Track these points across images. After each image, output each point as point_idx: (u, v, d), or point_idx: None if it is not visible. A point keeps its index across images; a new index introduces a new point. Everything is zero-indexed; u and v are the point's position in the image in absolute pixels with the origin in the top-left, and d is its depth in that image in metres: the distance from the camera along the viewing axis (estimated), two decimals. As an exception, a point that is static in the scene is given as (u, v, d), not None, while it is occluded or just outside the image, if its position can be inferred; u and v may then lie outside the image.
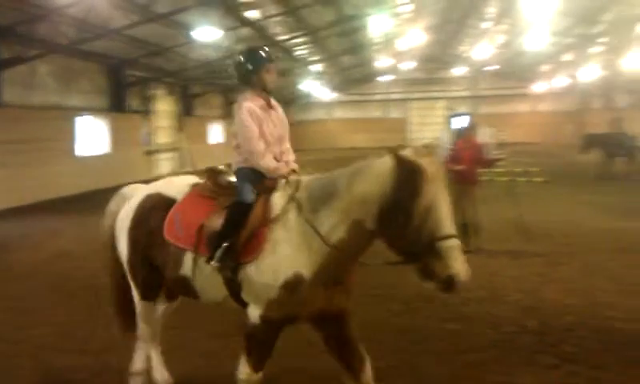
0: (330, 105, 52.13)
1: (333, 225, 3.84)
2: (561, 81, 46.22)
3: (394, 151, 3.68)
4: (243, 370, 4.03)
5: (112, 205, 4.86)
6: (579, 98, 53.08)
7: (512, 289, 7.72)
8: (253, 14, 24.43)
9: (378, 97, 51.63)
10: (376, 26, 28.06)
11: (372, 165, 3.83)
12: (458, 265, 3.45)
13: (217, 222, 4.14)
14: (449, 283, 3.47)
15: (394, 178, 3.62)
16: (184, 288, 4.39)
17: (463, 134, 10.64)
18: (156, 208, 4.43)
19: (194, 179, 4.64)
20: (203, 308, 5.00)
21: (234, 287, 4.09)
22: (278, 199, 4.11)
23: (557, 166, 26.21)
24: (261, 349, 4.03)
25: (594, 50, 37.80)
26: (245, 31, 24.80)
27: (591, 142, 22.77)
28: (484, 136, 25.32)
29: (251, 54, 4.50)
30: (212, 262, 4.03)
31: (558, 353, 5.58)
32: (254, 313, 4.01)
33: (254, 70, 4.39)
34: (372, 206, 3.68)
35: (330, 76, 44.67)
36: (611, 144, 21.48)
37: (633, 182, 18.77)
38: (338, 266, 3.93)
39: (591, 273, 8.37)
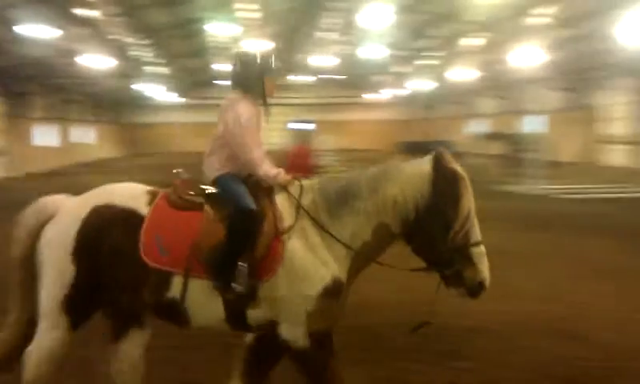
0: (174, 108, 51.17)
1: (356, 228, 3.69)
2: (393, 91, 48.55)
3: (435, 155, 3.66)
4: None
5: (28, 219, 3.96)
6: (414, 107, 56.23)
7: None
8: (88, 13, 23.35)
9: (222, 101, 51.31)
10: (218, 30, 27.93)
11: (403, 168, 3.73)
12: (487, 271, 3.55)
13: (215, 237, 3.68)
14: (479, 289, 3.56)
15: (431, 182, 3.59)
16: (168, 313, 3.81)
17: (298, 140, 10.81)
18: (113, 224, 3.75)
19: (138, 186, 4.04)
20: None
21: (238, 308, 3.70)
22: (284, 205, 3.81)
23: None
24: (320, 368, 3.68)
25: (425, 62, 40.18)
26: (79, 30, 23.64)
27: (408, 149, 24.25)
28: (320, 143, 25.96)
29: (260, 59, 4.11)
30: (233, 285, 3.59)
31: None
32: (296, 332, 3.65)
33: (258, 77, 4.07)
34: (402, 210, 3.61)
35: (174, 79, 43.76)
36: (426, 151, 23.09)
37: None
38: (357, 269, 3.80)
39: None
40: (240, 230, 3.67)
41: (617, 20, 19.51)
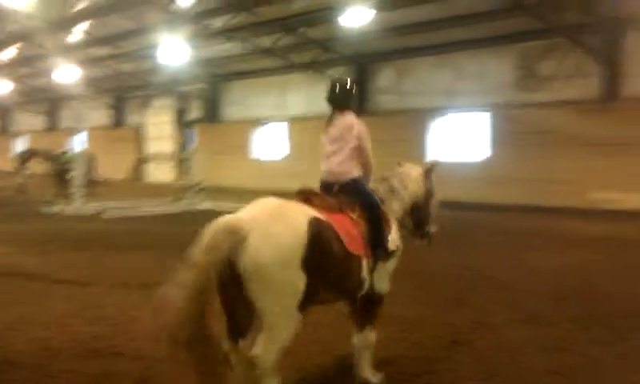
0: None
1: (397, 210, 5.37)
2: None
3: (428, 163, 5.82)
4: (372, 334, 5.02)
5: (223, 241, 3.85)
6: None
7: None
8: None
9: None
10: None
11: (411, 172, 5.61)
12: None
13: (364, 229, 4.80)
14: (433, 236, 5.78)
15: (424, 182, 5.65)
16: (358, 290, 4.76)
17: None
18: (323, 229, 4.32)
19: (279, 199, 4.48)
20: None
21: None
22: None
23: None
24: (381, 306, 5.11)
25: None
26: None
27: None
28: None
29: (355, 83, 5.43)
30: (391, 256, 5.01)
31: None
32: (385, 287, 5.07)
33: (357, 97, 5.39)
34: (415, 198, 5.55)
35: None
36: None
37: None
38: None
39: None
40: (379, 216, 4.98)
41: (157, 41, 20.59)
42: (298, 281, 4.05)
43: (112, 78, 30.57)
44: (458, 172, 19.56)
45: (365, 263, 4.70)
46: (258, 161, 27.40)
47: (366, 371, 5.05)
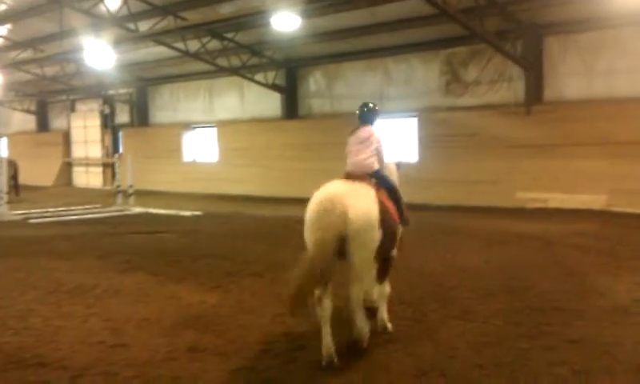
0: None
1: None
2: None
3: (396, 162, 7.81)
4: (387, 286, 6.80)
5: (337, 208, 5.67)
6: None
7: None
8: None
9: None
10: None
11: (391, 167, 7.48)
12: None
13: (393, 202, 6.66)
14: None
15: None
16: (391, 250, 6.62)
17: None
18: (382, 203, 6.22)
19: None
20: None
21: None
22: None
23: None
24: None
25: None
26: None
27: None
28: None
29: (376, 107, 7.33)
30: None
31: None
32: (395, 252, 6.75)
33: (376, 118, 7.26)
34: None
35: None
36: None
37: None
38: None
39: None
40: (400, 196, 6.87)
41: (81, 43, 20.03)
42: (378, 238, 5.92)
43: (35, 82, 29.53)
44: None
45: (399, 230, 6.69)
46: (188, 164, 27.03)
47: (385, 316, 6.77)
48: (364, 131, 6.97)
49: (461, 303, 7.74)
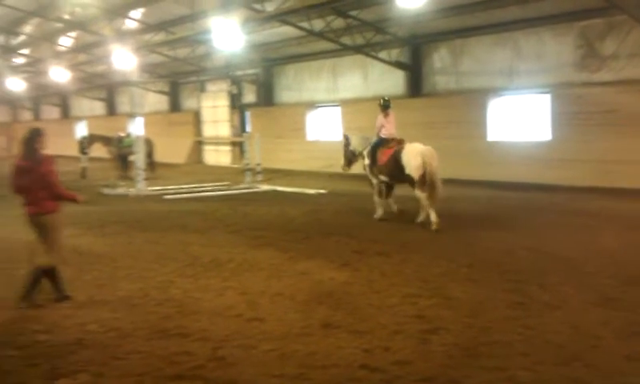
0: None
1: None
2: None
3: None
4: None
5: (425, 163, 11.79)
6: (9, 109, 51.93)
7: None
8: None
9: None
10: None
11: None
12: None
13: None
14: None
15: None
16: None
17: None
18: None
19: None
20: None
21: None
22: None
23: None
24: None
25: (17, 60, 37.35)
26: None
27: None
28: None
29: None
30: None
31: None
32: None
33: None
34: None
35: None
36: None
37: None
38: None
39: (19, 288, 7.99)
40: None
41: (210, 25, 20.72)
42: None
43: (167, 63, 30.97)
44: (518, 152, 19.18)
45: None
46: (312, 143, 27.39)
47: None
48: (389, 113, 13.09)
49: (601, 290, 7.32)
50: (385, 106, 13.08)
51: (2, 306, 7.18)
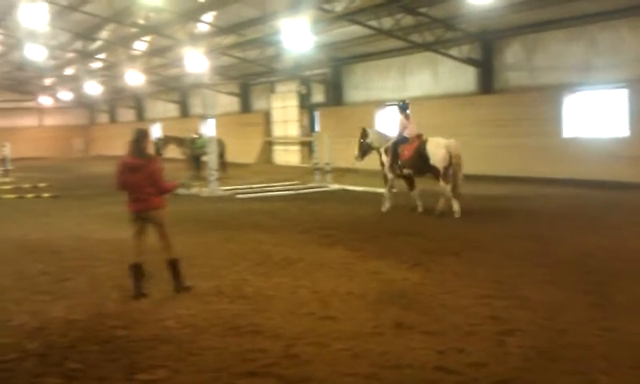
0: None
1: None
2: (67, 94, 46.10)
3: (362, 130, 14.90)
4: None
5: (450, 153, 12.93)
6: (87, 112, 53.99)
7: (15, 312, 7.12)
8: None
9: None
10: None
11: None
12: None
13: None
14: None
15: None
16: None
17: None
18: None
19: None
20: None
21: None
22: None
23: (67, 180, 25.98)
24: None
25: (94, 65, 38.75)
26: None
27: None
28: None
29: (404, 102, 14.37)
30: None
31: (63, 372, 5.31)
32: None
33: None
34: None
35: None
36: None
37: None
38: None
39: (98, 285, 8.32)
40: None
41: (280, 26, 20.95)
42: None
43: (238, 65, 31.49)
44: (595, 149, 18.55)
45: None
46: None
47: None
48: (408, 114, 13.98)
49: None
50: (403, 107, 14.08)
51: (83, 303, 7.46)
